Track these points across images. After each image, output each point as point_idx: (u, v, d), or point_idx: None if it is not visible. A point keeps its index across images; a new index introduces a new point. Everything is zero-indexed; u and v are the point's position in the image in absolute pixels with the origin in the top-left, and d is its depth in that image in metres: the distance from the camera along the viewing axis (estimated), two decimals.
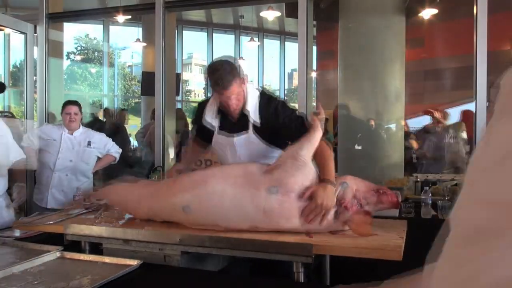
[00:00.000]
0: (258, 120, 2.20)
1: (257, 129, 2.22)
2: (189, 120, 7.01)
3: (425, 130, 5.25)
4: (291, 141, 2.13)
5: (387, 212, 2.50)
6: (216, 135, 2.31)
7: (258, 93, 2.26)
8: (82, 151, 3.58)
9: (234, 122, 2.28)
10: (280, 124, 2.17)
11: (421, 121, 6.75)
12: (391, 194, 1.81)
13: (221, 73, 2.13)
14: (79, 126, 3.63)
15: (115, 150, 3.80)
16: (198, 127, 2.48)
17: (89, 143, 3.61)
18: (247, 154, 2.26)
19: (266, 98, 2.25)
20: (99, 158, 3.73)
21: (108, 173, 5.08)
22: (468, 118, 4.76)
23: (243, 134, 2.24)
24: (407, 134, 5.15)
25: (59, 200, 3.49)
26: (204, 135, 2.43)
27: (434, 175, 4.24)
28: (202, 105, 2.41)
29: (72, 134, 3.57)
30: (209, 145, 2.47)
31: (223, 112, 2.29)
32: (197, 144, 2.58)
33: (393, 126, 4.38)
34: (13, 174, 2.90)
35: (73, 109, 3.54)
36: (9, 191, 2.93)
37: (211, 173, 1.98)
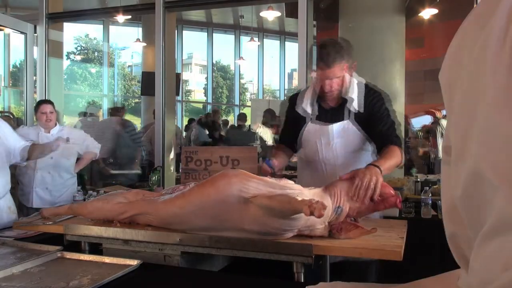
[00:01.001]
0: (357, 109, 2.14)
1: (356, 118, 2.17)
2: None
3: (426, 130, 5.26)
4: (374, 140, 2.17)
5: (387, 212, 2.50)
6: (310, 124, 2.23)
7: (363, 84, 2.20)
8: (61, 147, 3.54)
9: (330, 111, 2.21)
10: (375, 118, 2.14)
11: (421, 121, 6.76)
12: (387, 200, 1.72)
13: (329, 50, 2.07)
14: (55, 124, 3.58)
15: (94, 146, 3.76)
16: (285, 130, 2.39)
17: (67, 140, 3.57)
18: (342, 143, 2.18)
19: (370, 89, 2.19)
20: (79, 156, 3.68)
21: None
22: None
23: (340, 122, 2.18)
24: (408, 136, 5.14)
25: (45, 199, 3.44)
26: (290, 138, 2.32)
27: (434, 175, 4.23)
28: (293, 98, 2.32)
29: (49, 132, 3.51)
30: (292, 153, 2.38)
31: (319, 101, 2.23)
32: (282, 151, 2.36)
33: None
34: None
35: (48, 108, 3.52)
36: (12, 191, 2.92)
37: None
